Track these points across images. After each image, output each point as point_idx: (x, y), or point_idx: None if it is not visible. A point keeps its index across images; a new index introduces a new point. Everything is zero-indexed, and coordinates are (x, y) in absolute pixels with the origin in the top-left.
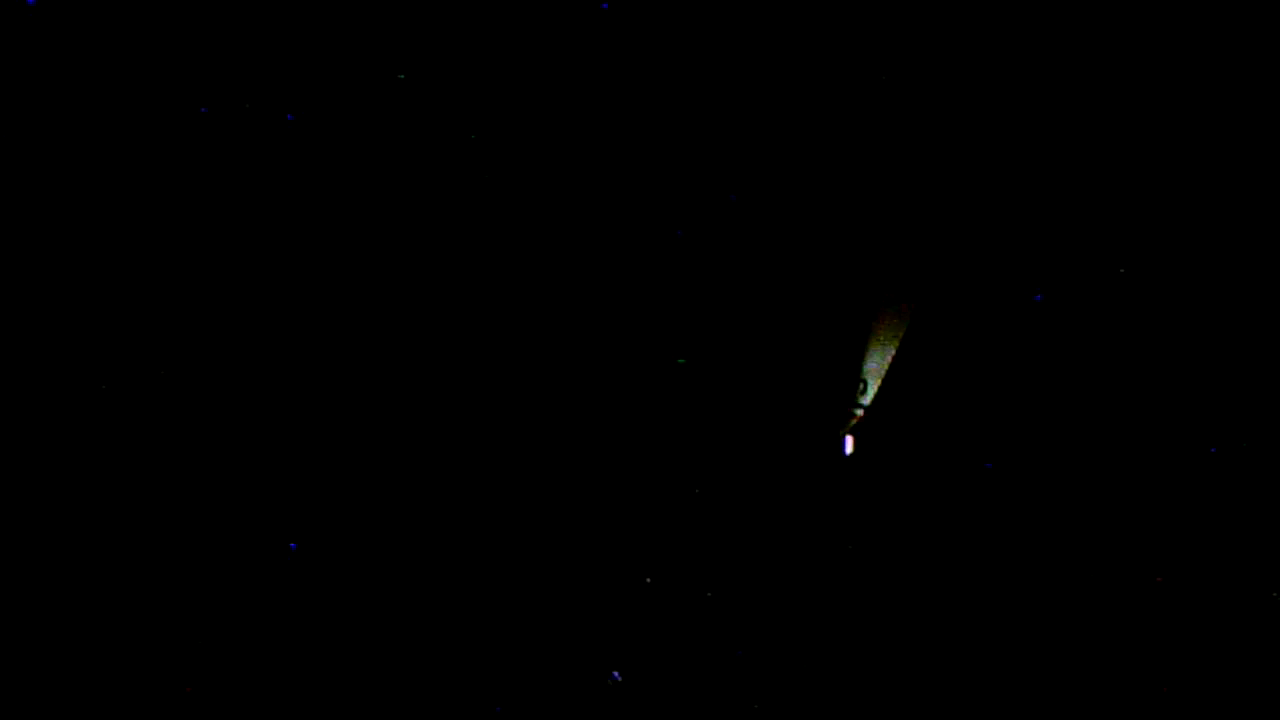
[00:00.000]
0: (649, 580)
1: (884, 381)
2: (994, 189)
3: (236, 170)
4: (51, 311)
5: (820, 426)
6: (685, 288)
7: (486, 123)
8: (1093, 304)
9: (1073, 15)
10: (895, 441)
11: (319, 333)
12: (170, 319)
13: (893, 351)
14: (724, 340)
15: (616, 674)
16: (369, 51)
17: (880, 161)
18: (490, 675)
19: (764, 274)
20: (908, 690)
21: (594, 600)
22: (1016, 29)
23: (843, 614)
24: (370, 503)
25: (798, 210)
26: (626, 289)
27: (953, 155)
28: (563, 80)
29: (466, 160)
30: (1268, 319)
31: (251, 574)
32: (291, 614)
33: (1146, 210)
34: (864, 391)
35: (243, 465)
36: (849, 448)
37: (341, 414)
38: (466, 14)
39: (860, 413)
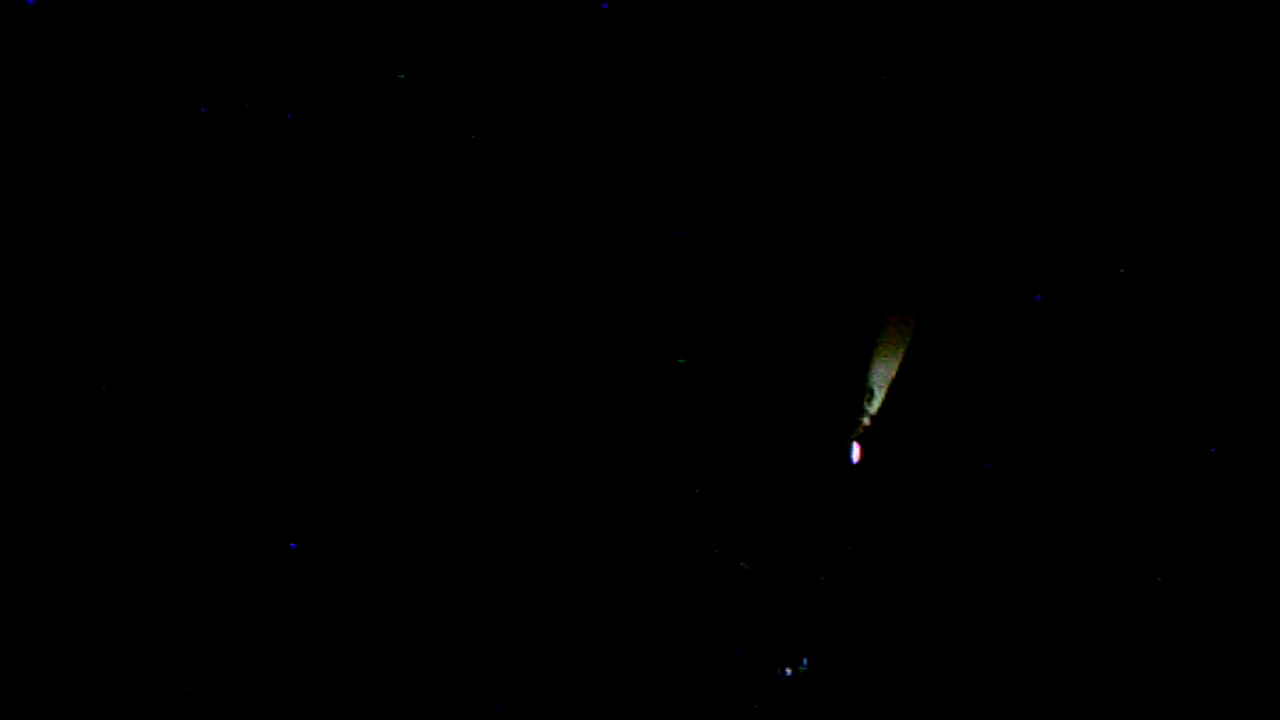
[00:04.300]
0: (744, 566)
1: (891, 390)
2: (994, 190)
3: (236, 170)
4: (51, 311)
5: (826, 434)
6: (685, 289)
7: (486, 123)
8: (1093, 304)
9: (1073, 15)
10: (902, 450)
11: (319, 333)
12: (170, 319)
13: (899, 359)
14: (726, 345)
15: (789, 671)
16: (369, 51)
17: (883, 163)
18: (490, 675)
19: (767, 278)
20: (909, 691)
21: (594, 600)
22: (1016, 29)
23: (847, 620)
24: (370, 503)
25: (800, 212)
26: (627, 289)
27: (954, 156)
28: (563, 80)
29: (466, 160)
30: (1268, 319)
31: (251, 574)
32: (291, 614)
33: (1146, 210)
34: (871, 400)
35: (243, 465)
36: (856, 456)
37: (341, 414)
38: (466, 14)
39: (867, 421)
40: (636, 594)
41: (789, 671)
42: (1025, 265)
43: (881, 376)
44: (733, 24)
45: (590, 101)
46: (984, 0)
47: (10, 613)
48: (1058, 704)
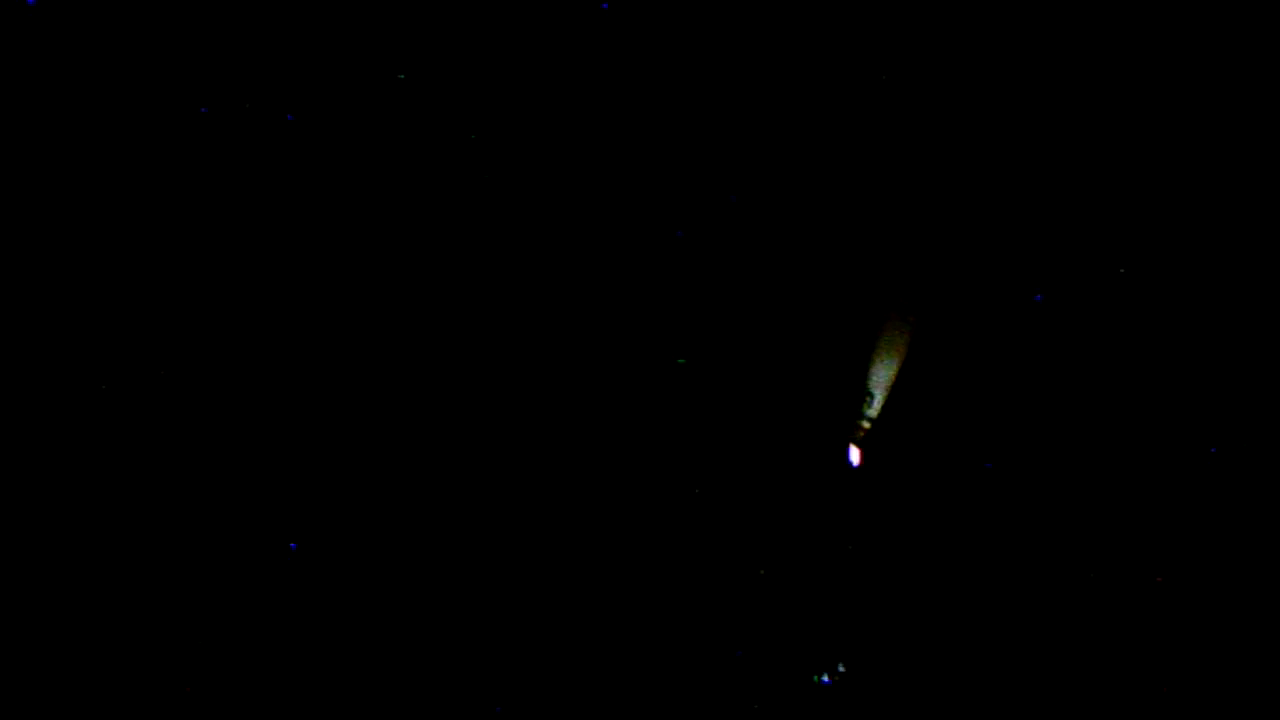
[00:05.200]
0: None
1: (890, 393)
2: (994, 190)
3: (237, 170)
4: (51, 311)
5: (826, 438)
6: (685, 289)
7: (486, 123)
8: (1093, 304)
9: (1073, 15)
10: (902, 452)
11: (319, 333)
12: (170, 319)
13: (899, 363)
14: (727, 347)
15: (827, 678)
16: (369, 51)
17: (882, 164)
18: (490, 675)
19: (766, 279)
20: (910, 691)
21: (594, 600)
22: (1016, 29)
23: (846, 622)
24: (370, 503)
25: (800, 214)
26: (627, 289)
27: (953, 157)
28: (563, 80)
29: (466, 160)
30: (1268, 319)
31: (251, 574)
32: (291, 614)
33: (1146, 210)
34: (870, 403)
35: (243, 465)
36: (855, 459)
37: (342, 414)
38: (466, 14)
39: (866, 424)
40: (636, 594)
41: (827, 678)
42: (1025, 265)
43: (881, 379)
44: (732, 24)
45: (590, 101)
46: (984, 1)
47: (11, 613)
48: (1058, 704)
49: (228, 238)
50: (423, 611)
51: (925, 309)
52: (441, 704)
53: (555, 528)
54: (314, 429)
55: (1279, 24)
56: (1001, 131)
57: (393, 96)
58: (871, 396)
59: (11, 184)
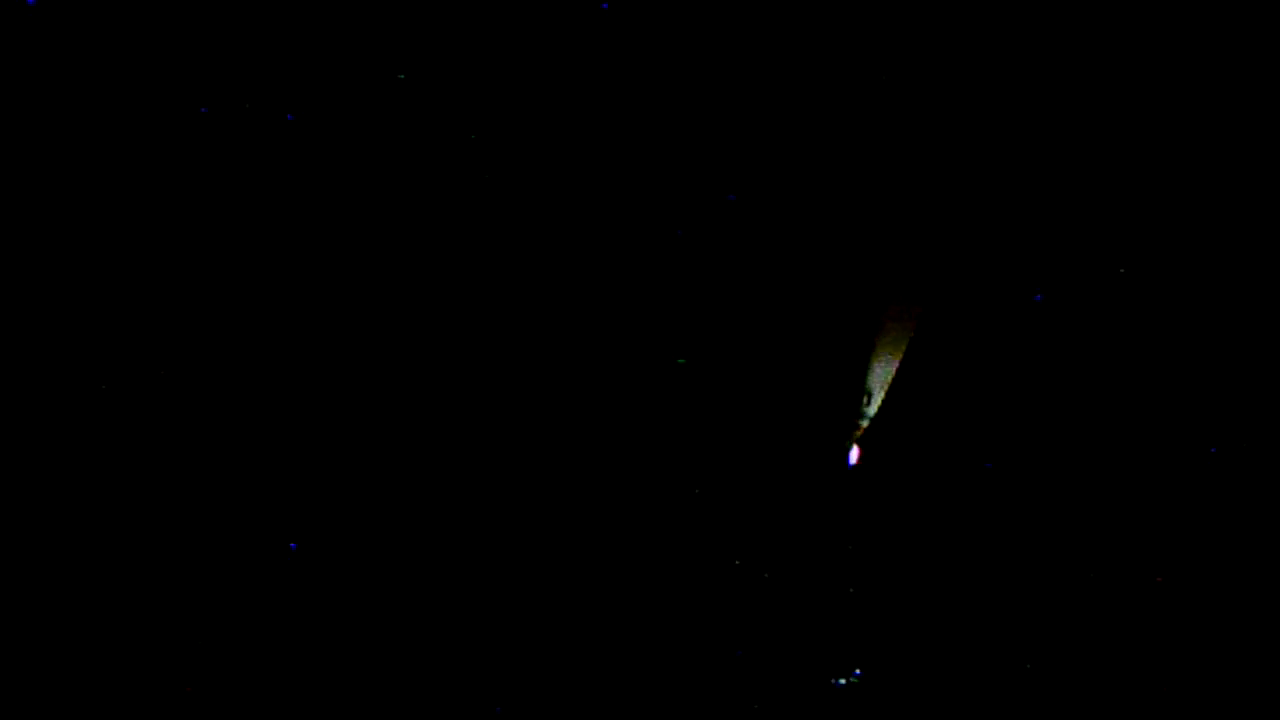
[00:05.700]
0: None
1: (889, 392)
2: (994, 190)
3: (237, 170)
4: (51, 311)
5: (824, 437)
6: (685, 289)
7: (486, 123)
8: (1093, 304)
9: (1073, 15)
10: (900, 452)
11: (319, 333)
12: (170, 319)
13: (898, 361)
14: (725, 347)
15: (842, 680)
16: (369, 51)
17: (882, 163)
18: (490, 675)
19: (766, 278)
20: (909, 691)
21: (594, 601)
22: (1016, 29)
23: (845, 621)
24: (370, 503)
25: (799, 213)
26: (627, 289)
27: (953, 156)
28: (563, 80)
29: (466, 160)
30: (1268, 319)
31: (251, 574)
32: (291, 614)
33: (1146, 210)
34: (869, 402)
35: (243, 465)
36: (854, 458)
37: (341, 414)
38: (466, 14)
39: (865, 423)
40: (636, 594)
41: (842, 681)
42: (1025, 265)
43: (880, 378)
44: (732, 24)
45: (590, 101)
46: (984, 1)
47: (11, 613)
48: (1057, 704)
49: (228, 238)
50: (423, 611)
51: (925, 307)
52: (442, 704)
53: (555, 527)
54: (314, 429)
55: (1279, 24)
56: (1001, 131)
57: (393, 96)
58: (870, 395)
59: (11, 184)
